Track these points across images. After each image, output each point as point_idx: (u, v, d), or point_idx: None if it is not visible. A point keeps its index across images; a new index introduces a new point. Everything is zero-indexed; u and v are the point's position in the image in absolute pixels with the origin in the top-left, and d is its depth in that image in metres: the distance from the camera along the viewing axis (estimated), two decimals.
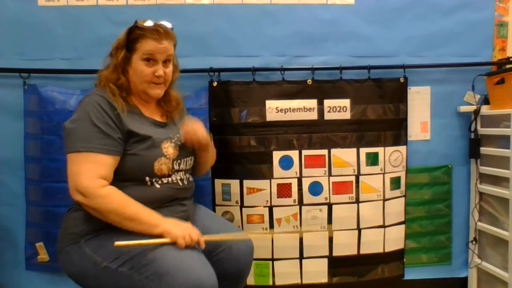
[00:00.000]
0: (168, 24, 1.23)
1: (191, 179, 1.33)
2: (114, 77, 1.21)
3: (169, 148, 1.21)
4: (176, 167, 1.24)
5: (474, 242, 1.82)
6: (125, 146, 1.14)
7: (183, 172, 1.29)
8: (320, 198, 1.74)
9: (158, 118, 1.30)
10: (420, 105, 1.81)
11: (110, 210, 1.06)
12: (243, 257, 1.29)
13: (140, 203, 1.09)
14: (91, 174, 1.05)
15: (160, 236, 1.07)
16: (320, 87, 1.73)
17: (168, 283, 1.01)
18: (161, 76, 1.21)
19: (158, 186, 1.18)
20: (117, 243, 1.03)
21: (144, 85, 1.22)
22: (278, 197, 1.73)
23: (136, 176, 1.16)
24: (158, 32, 1.19)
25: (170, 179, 1.22)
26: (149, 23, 1.19)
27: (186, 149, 1.29)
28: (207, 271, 1.06)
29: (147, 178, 1.17)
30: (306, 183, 1.74)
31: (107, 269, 1.08)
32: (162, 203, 1.19)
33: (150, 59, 1.20)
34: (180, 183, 1.25)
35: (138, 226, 1.07)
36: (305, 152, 1.73)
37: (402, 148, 1.79)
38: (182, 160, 1.28)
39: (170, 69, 1.26)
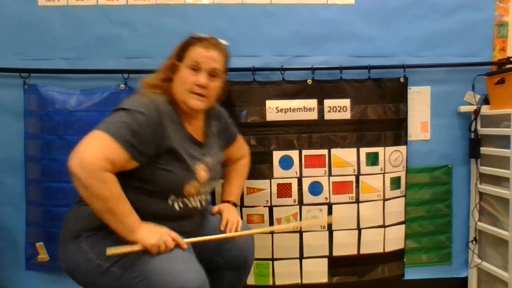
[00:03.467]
0: (223, 41, 1.23)
1: (209, 198, 1.34)
2: (159, 84, 1.19)
3: (201, 172, 1.20)
4: (202, 190, 1.24)
5: (474, 242, 1.82)
6: (160, 159, 1.11)
7: (206, 193, 1.29)
8: (320, 198, 1.74)
9: (197, 135, 1.25)
10: (420, 105, 1.81)
11: (101, 196, 1.00)
12: (247, 247, 1.35)
13: (128, 203, 1.06)
14: (102, 154, 0.99)
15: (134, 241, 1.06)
16: (320, 87, 1.73)
17: (153, 285, 1.02)
18: (202, 84, 1.16)
19: (177, 208, 1.17)
20: (109, 251, 1.05)
21: (184, 94, 1.17)
22: (278, 197, 1.73)
23: (163, 191, 1.14)
24: (207, 41, 1.19)
25: (191, 200, 1.21)
26: (202, 34, 1.20)
27: (214, 173, 1.28)
28: (194, 272, 1.05)
29: (172, 197, 1.16)
30: (306, 183, 1.74)
31: (99, 267, 1.08)
32: (173, 220, 1.18)
33: (196, 69, 1.17)
34: (199, 206, 1.24)
35: (115, 224, 1.04)
36: (305, 152, 1.73)
37: (402, 148, 1.79)
38: (210, 184, 1.28)
39: (215, 84, 1.21)
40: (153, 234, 1.07)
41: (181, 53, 1.19)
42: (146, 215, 1.11)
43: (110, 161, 1.01)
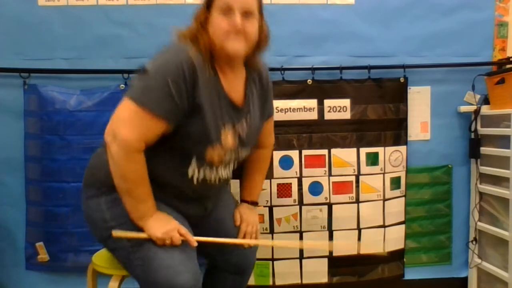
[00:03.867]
0: None
1: (229, 177, 1.25)
2: (196, 36, 1.10)
3: (228, 137, 1.11)
4: (227, 158, 1.15)
5: (474, 242, 1.82)
6: (187, 117, 1.04)
7: (230, 167, 1.21)
8: (320, 198, 1.74)
9: (236, 95, 1.15)
10: (420, 105, 1.81)
11: (124, 176, 1.01)
12: (249, 254, 1.35)
13: (149, 188, 1.05)
14: (138, 133, 0.99)
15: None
16: (320, 87, 1.73)
17: (148, 275, 1.02)
18: (237, 25, 1.04)
19: (195, 183, 1.12)
20: (115, 233, 1.05)
21: (221, 39, 1.06)
22: (278, 197, 1.73)
23: (185, 151, 1.08)
24: None
25: (212, 172, 1.14)
26: None
27: (247, 141, 1.19)
28: (187, 274, 1.02)
29: (193, 164, 1.09)
30: (306, 183, 1.74)
31: (111, 230, 1.07)
32: (185, 199, 1.16)
33: (227, 11, 1.05)
34: (217, 182, 1.17)
35: (128, 205, 1.05)
36: (305, 152, 1.73)
37: (402, 148, 1.79)
38: (237, 153, 1.18)
39: (252, 25, 1.08)
40: (161, 227, 1.05)
41: (210, 2, 1.09)
42: (161, 186, 1.09)
43: (146, 139, 1.01)
